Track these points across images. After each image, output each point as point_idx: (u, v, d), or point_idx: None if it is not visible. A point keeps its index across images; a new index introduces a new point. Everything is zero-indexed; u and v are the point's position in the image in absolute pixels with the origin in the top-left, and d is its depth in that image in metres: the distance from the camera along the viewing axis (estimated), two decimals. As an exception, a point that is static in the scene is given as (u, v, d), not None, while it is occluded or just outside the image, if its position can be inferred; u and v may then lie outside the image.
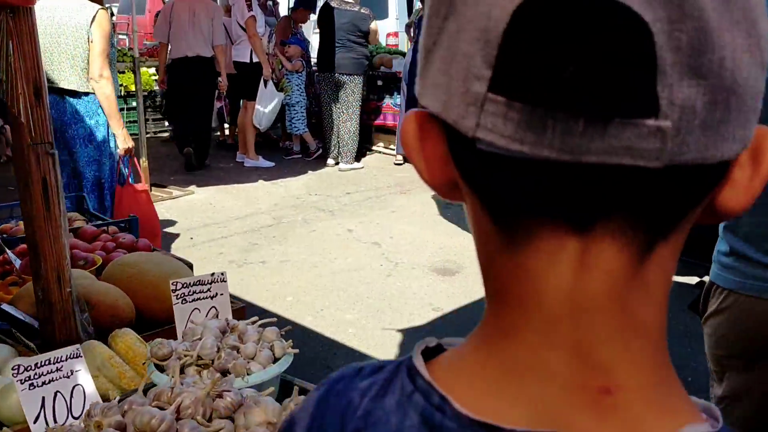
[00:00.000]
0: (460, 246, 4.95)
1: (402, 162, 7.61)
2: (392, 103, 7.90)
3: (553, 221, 0.37)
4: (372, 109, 8.11)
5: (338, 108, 7.27)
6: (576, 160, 0.34)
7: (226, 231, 5.22)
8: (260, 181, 6.75)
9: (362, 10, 7.12)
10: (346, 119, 7.26)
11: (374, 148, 8.33)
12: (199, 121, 6.82)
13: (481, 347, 0.42)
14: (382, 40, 11.21)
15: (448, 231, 5.30)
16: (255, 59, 6.88)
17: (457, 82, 0.36)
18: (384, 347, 3.45)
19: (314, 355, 3.34)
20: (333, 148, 7.43)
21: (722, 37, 0.33)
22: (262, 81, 7.13)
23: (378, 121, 8.13)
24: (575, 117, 0.33)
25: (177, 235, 5.10)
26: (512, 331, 0.40)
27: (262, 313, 3.88)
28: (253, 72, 6.93)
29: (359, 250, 4.85)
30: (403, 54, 8.10)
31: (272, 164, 7.39)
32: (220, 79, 6.59)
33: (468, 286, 4.20)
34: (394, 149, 7.83)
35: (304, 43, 7.69)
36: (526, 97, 0.33)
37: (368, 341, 3.52)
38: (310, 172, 7.23)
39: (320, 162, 7.56)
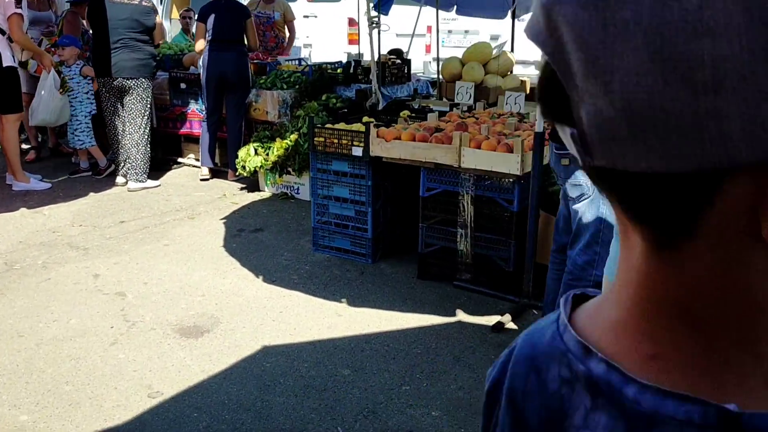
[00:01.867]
0: (230, 289, 4.08)
1: (208, 177, 6.64)
2: (198, 108, 6.89)
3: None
4: (177, 116, 7.07)
5: (123, 117, 6.20)
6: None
7: (-71, 287, 4.10)
8: (22, 210, 5.61)
9: (144, 3, 6.05)
10: (132, 130, 6.18)
11: (183, 160, 7.30)
12: None
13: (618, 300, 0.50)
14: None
15: (224, 268, 4.41)
16: (6, 63, 5.67)
17: None
18: (51, 468, 2.52)
19: (-62, 493, 2.37)
20: (122, 164, 6.35)
21: (611, 62, 0.37)
22: (43, 72, 6.09)
23: (184, 130, 7.09)
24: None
25: None
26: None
27: None
28: (7, 78, 5.73)
29: (94, 305, 3.87)
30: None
31: (48, 186, 6.23)
32: None
33: (211, 353, 3.33)
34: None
35: (80, 43, 6.55)
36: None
37: (33, 459, 2.58)
38: (92, 194, 6.13)
39: (111, 181, 6.47)
